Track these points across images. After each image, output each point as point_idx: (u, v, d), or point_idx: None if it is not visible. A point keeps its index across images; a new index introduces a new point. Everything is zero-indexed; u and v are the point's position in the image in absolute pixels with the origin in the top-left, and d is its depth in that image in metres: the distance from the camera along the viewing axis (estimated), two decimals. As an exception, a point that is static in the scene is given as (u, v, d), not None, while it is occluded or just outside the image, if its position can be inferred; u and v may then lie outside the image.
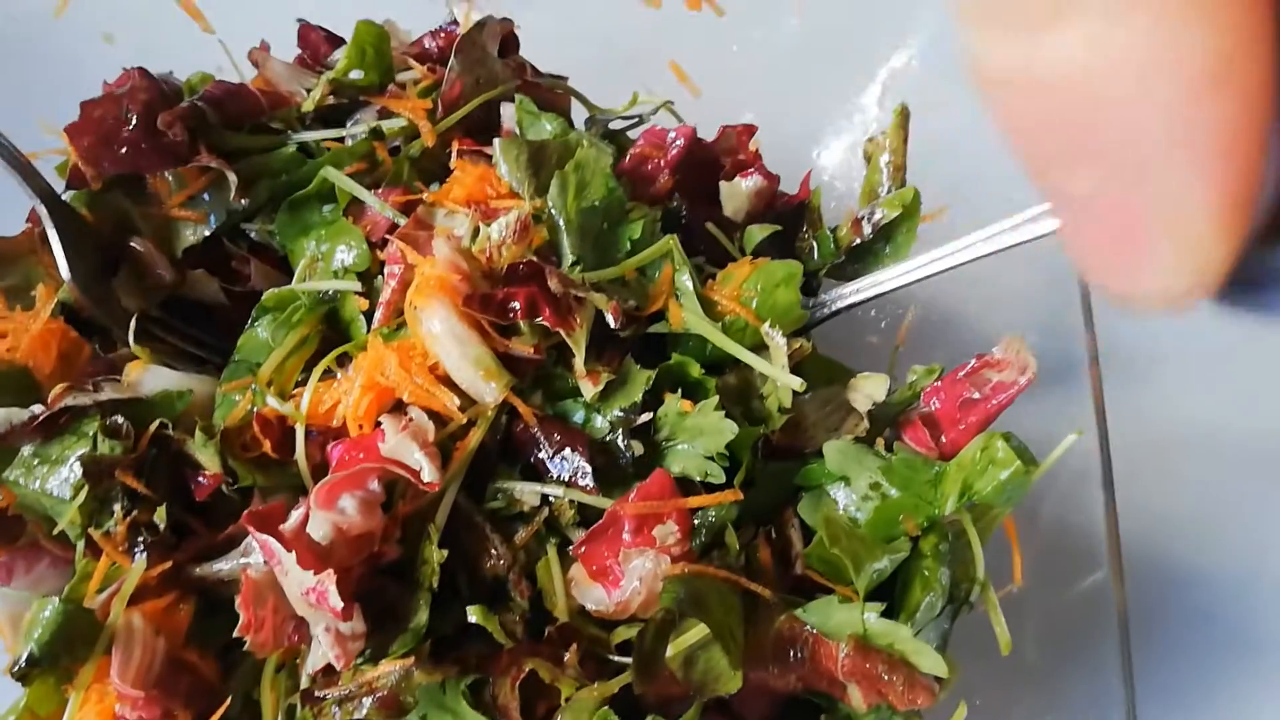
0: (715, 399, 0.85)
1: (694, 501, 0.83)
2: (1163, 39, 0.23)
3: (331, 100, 1.06)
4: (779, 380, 0.88)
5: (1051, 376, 0.92)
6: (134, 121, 0.95)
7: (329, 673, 0.79)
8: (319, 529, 0.78)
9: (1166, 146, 0.24)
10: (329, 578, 0.72)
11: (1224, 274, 0.27)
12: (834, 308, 1.02)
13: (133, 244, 0.99)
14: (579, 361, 0.87)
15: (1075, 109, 0.24)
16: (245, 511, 0.79)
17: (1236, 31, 0.22)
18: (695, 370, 0.89)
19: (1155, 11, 0.22)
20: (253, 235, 1.03)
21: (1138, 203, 0.26)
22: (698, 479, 0.86)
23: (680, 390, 0.88)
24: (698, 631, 0.79)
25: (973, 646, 0.86)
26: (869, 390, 0.92)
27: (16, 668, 0.77)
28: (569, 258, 0.92)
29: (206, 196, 1.01)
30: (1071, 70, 0.24)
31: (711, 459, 0.85)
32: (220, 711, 0.78)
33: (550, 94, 1.14)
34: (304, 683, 0.81)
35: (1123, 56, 0.23)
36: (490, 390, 0.85)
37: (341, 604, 0.72)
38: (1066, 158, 0.26)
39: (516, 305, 0.86)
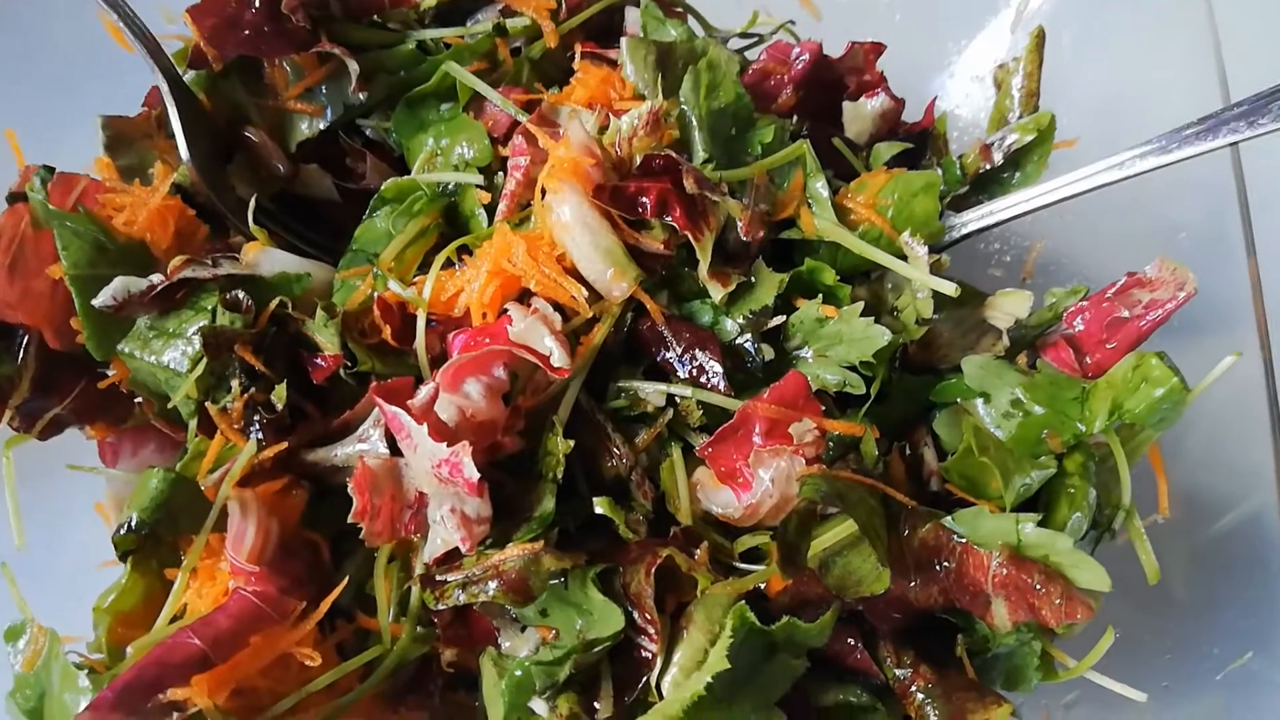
0: (860, 304, 0.81)
1: (830, 425, 0.78)
2: None
3: (453, -3, 1.03)
4: (927, 286, 0.83)
5: (1201, 306, 0.87)
6: (257, 5, 0.92)
7: (446, 561, 0.76)
8: (444, 410, 0.75)
9: None
10: (464, 449, 0.69)
11: None
12: (963, 231, 0.98)
13: (247, 134, 0.97)
14: (703, 267, 0.83)
15: None
16: (373, 384, 0.76)
17: None
18: (830, 277, 0.85)
19: None
20: (368, 132, 1.01)
21: None
22: (832, 391, 0.82)
23: (820, 296, 0.84)
24: (836, 534, 0.75)
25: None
26: (1010, 308, 0.87)
27: (118, 533, 0.74)
28: (700, 155, 0.89)
29: (323, 90, 0.98)
30: None
31: (852, 368, 0.81)
32: (335, 594, 0.75)
33: (669, 9, 1.11)
34: (419, 571, 0.78)
35: None
36: (619, 284, 0.81)
37: (476, 475, 0.68)
38: None
39: (646, 201, 0.82)
